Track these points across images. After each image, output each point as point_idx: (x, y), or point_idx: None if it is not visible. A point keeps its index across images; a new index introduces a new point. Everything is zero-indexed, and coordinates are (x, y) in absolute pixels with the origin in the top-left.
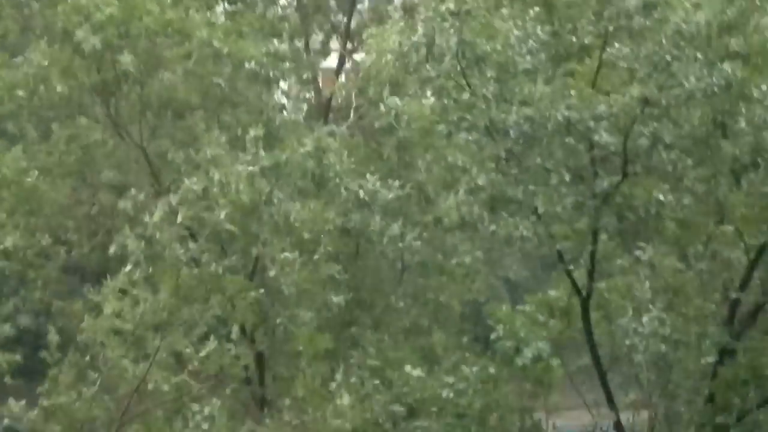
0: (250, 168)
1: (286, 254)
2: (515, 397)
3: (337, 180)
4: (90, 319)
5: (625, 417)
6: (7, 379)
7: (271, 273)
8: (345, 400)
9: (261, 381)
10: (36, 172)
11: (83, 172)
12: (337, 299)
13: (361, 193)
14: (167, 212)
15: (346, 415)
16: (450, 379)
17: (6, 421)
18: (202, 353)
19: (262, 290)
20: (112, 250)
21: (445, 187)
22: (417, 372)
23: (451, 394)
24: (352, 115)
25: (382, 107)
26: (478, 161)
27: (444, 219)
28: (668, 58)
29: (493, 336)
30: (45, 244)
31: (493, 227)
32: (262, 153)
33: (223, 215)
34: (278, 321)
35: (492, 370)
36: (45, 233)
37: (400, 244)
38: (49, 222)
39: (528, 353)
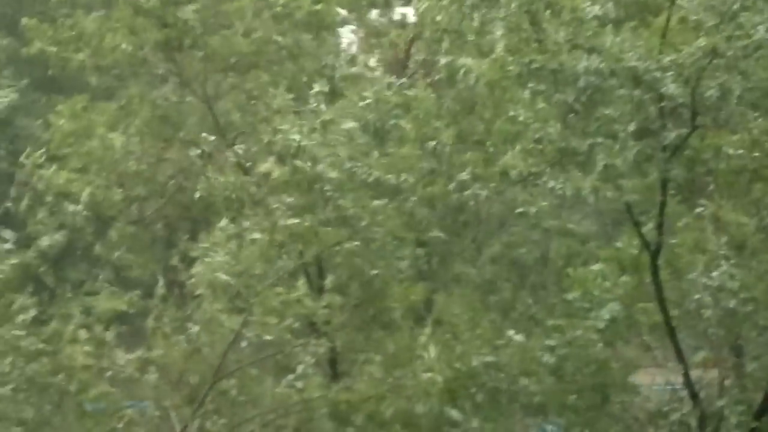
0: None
1: (377, 201)
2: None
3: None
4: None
5: (695, 375)
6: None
7: (363, 223)
8: (432, 353)
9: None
10: (103, 128)
11: (153, 128)
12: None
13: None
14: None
15: (435, 368)
16: (552, 342)
17: None
18: (294, 295)
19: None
20: (197, 194)
21: (507, 141)
22: (519, 337)
23: (552, 359)
24: (412, 66)
25: (441, 59)
26: (544, 114)
27: (510, 172)
28: (735, 7)
29: (569, 297)
30: (119, 199)
31: (560, 181)
32: (323, 107)
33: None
34: (373, 272)
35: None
36: (119, 188)
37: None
38: (121, 178)
39: (605, 315)
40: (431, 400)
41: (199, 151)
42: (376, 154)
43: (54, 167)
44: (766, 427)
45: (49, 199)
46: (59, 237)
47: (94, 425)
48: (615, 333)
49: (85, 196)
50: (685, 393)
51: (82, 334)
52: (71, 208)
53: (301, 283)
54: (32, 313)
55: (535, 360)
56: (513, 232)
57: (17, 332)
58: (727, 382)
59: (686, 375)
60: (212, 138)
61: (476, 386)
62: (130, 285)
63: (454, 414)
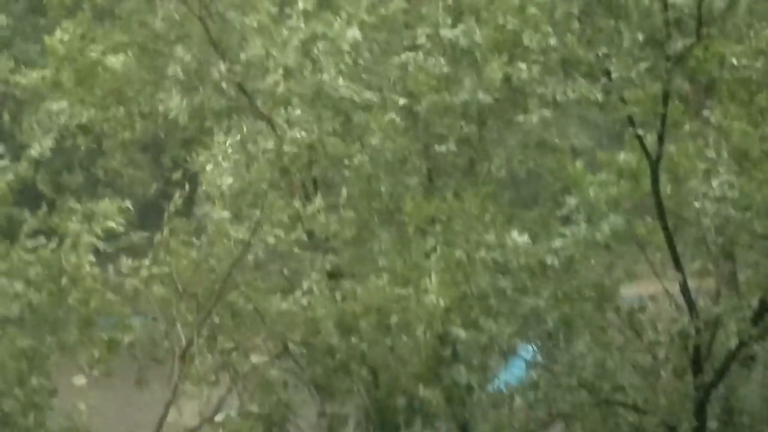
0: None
1: (390, 116)
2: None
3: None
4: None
5: (691, 284)
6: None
7: (373, 141)
8: (434, 277)
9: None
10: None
11: (147, 45)
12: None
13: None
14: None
15: (439, 290)
16: (558, 243)
17: None
18: (309, 211)
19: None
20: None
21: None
22: (524, 239)
23: (557, 261)
24: None
25: None
26: (535, 21)
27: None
28: None
29: (565, 210)
30: (119, 116)
31: (562, 91)
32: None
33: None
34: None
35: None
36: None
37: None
38: (118, 96)
39: (606, 228)
40: (434, 322)
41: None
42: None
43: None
44: (762, 332)
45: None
46: (49, 141)
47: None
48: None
49: (84, 118)
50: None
51: (86, 238)
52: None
53: (317, 198)
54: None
55: (540, 262)
56: (510, 145)
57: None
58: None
59: (684, 283)
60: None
61: (480, 309)
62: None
63: (461, 334)
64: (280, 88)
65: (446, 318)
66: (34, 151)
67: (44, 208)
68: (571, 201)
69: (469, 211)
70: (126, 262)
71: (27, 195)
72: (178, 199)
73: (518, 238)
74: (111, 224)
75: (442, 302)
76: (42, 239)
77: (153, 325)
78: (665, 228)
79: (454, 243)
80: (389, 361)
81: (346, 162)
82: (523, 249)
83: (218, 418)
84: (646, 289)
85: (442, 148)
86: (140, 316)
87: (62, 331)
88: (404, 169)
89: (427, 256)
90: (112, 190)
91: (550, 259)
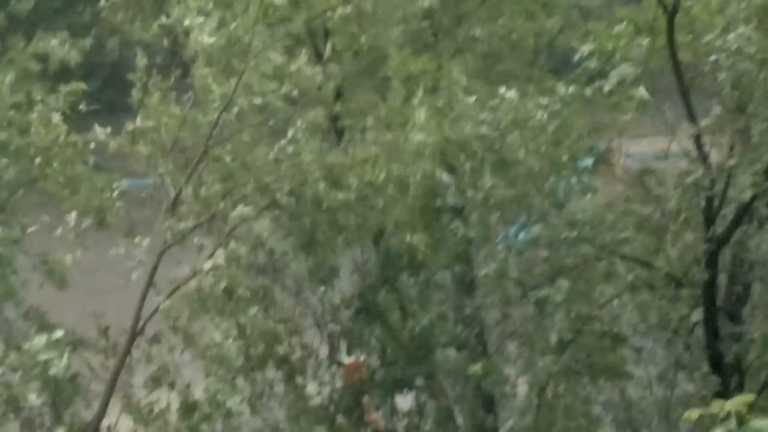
0: None
1: None
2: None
3: None
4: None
5: (704, 140)
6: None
7: None
8: (422, 115)
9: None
10: None
11: None
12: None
13: None
14: None
15: (426, 129)
16: (545, 100)
17: None
18: (293, 67)
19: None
20: None
21: None
22: (511, 93)
23: (545, 116)
24: None
25: None
26: None
27: None
28: None
29: (576, 57)
30: None
31: None
32: None
33: None
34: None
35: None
36: None
37: None
38: None
39: (614, 77)
40: (423, 163)
41: None
42: None
43: None
44: None
45: None
46: None
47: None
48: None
49: None
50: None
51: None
52: None
53: (303, 52)
54: None
55: (526, 117)
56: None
57: None
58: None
59: (697, 137)
60: None
61: (466, 154)
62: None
63: (445, 177)
64: None
65: (433, 159)
66: None
67: None
68: (585, 47)
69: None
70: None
71: None
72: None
73: (507, 93)
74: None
75: (429, 139)
76: None
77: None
78: (680, 80)
79: (439, 96)
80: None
81: (331, 14)
82: (510, 103)
83: (206, 266)
84: (654, 147)
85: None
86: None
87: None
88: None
89: (412, 105)
90: None
91: (540, 114)
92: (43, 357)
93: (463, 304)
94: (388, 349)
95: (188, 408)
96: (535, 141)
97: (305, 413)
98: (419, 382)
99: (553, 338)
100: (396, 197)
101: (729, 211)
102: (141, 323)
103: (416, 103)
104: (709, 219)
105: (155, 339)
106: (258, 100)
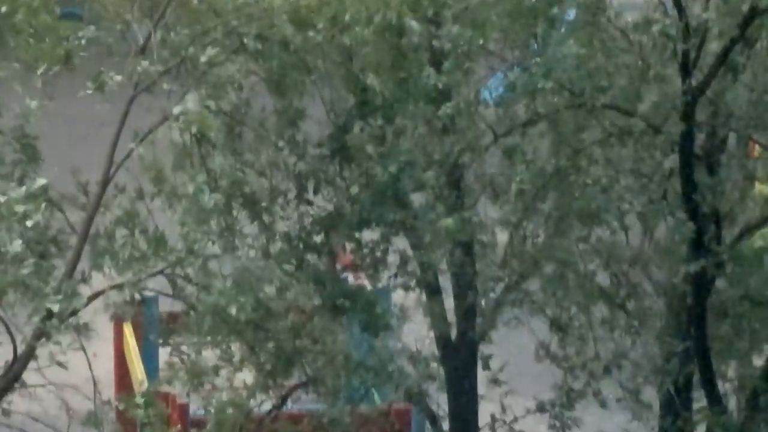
0: None
1: None
2: None
3: None
4: None
5: None
6: None
7: None
8: None
9: None
10: None
11: None
12: None
13: None
14: None
15: None
16: None
17: None
18: None
19: None
20: None
21: None
22: None
23: None
24: None
25: None
26: None
27: None
28: None
29: None
30: None
31: None
32: None
33: None
34: None
35: None
36: None
37: None
38: None
39: None
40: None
41: None
42: None
43: None
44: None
45: None
46: None
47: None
48: None
49: None
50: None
51: None
52: None
53: None
54: None
55: None
56: None
57: None
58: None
59: None
60: None
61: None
62: None
63: (414, 25)
64: None
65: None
66: None
67: None
68: None
69: None
70: None
71: None
72: None
73: None
74: None
75: None
76: None
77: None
78: None
79: None
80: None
81: None
82: None
83: (176, 110)
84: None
85: None
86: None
87: None
88: None
89: None
90: None
91: None
92: (21, 208)
93: (434, 149)
94: (355, 188)
95: (159, 242)
96: None
97: (275, 251)
98: (389, 217)
99: (515, 187)
100: (364, 37)
101: (705, 64)
102: (113, 170)
103: None
104: (685, 71)
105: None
106: None
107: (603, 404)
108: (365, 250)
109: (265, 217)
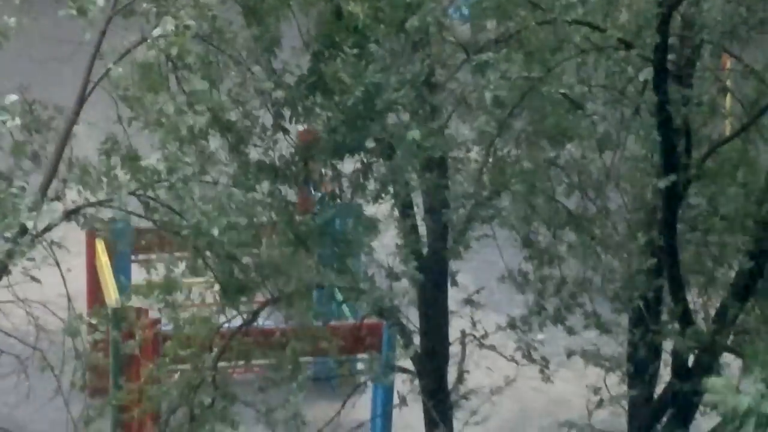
0: None
1: None
2: None
3: None
4: None
5: None
6: None
7: None
8: None
9: None
10: None
11: None
12: None
13: None
14: None
15: None
16: None
17: None
18: None
19: None
20: None
21: None
22: None
23: None
24: None
25: None
26: None
27: None
28: None
29: None
30: None
31: None
32: None
33: None
34: None
35: None
36: None
37: None
38: None
39: None
40: None
41: None
42: None
43: None
44: None
45: None
46: None
47: None
48: None
49: None
50: None
51: None
52: None
53: None
54: None
55: None
56: None
57: None
58: None
59: None
60: None
61: None
62: None
63: None
64: None
65: None
66: None
67: None
68: None
69: None
70: None
71: None
72: None
73: None
74: None
75: None
76: None
77: None
78: None
79: None
80: None
81: None
82: None
83: (155, 32)
84: None
85: None
86: None
87: None
88: None
89: None
90: None
91: None
92: None
93: (405, 69)
94: (331, 115)
95: (133, 160)
96: None
97: (250, 176)
98: (367, 144)
99: (489, 95)
100: None
101: None
102: (89, 89)
103: None
104: None
105: None
106: None
107: (570, 331)
108: (343, 179)
109: (241, 146)
